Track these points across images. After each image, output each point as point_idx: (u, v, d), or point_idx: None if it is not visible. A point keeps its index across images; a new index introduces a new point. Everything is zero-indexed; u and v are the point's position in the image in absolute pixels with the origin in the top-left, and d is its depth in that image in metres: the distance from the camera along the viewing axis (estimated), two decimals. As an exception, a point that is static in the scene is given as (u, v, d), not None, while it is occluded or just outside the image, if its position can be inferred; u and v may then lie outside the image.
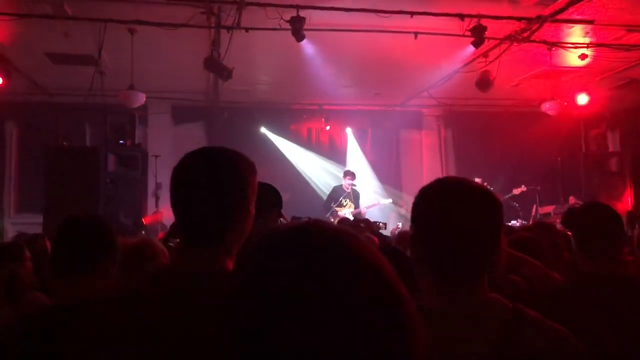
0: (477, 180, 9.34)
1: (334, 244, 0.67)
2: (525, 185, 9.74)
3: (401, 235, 5.26)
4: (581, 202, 9.82)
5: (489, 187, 8.70)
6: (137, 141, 8.88)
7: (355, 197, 9.64)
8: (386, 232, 9.42)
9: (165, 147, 10.01)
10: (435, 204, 1.33)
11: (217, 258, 1.40)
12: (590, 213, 2.20)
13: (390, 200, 10.20)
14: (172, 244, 3.91)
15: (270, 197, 1.95)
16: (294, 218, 4.22)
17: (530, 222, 9.04)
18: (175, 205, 1.45)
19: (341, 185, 9.76)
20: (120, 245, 2.74)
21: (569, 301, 1.99)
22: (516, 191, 9.72)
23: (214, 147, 1.54)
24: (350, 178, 9.66)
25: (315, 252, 0.65)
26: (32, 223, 8.42)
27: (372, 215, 9.52)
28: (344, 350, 0.60)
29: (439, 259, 1.30)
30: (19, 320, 2.03)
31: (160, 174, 9.30)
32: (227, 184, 1.43)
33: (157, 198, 9.70)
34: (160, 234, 6.69)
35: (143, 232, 8.03)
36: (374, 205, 9.86)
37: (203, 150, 1.51)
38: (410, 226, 1.39)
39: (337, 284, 0.63)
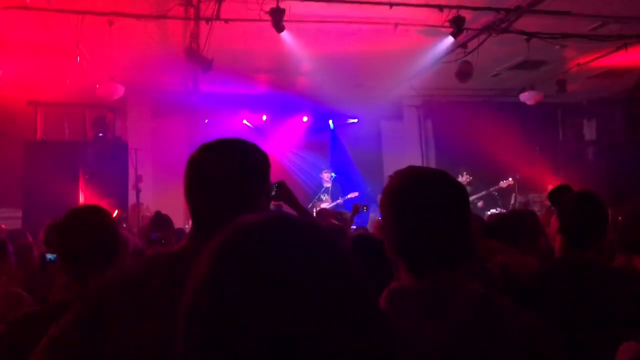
0: (465, 176, 9.44)
1: (295, 238, 0.68)
2: (512, 178, 9.81)
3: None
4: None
5: (471, 179, 8.73)
6: (116, 134, 8.81)
7: (334, 190, 9.69)
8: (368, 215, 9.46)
9: (146, 140, 9.93)
10: (408, 193, 1.35)
11: None
12: (579, 201, 2.25)
13: (357, 193, 10.15)
14: (154, 238, 3.94)
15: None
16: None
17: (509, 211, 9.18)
18: (189, 197, 1.44)
19: (320, 181, 9.82)
20: None
21: (546, 288, 2.03)
22: (503, 184, 9.81)
23: (229, 139, 1.54)
24: (326, 172, 9.72)
25: (278, 248, 0.66)
26: (10, 218, 8.32)
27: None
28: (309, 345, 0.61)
29: (414, 246, 1.33)
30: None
31: (140, 167, 9.24)
32: (244, 177, 1.44)
33: (138, 191, 9.63)
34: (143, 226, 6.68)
35: (124, 226, 8.00)
36: (352, 195, 9.87)
37: (219, 142, 1.51)
38: (383, 212, 1.41)
39: (298, 280, 0.63)
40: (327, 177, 9.65)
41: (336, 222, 4.32)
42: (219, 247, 0.68)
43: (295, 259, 0.65)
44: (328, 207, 9.43)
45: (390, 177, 1.42)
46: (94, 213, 1.98)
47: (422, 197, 1.32)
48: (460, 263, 1.33)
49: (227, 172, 1.43)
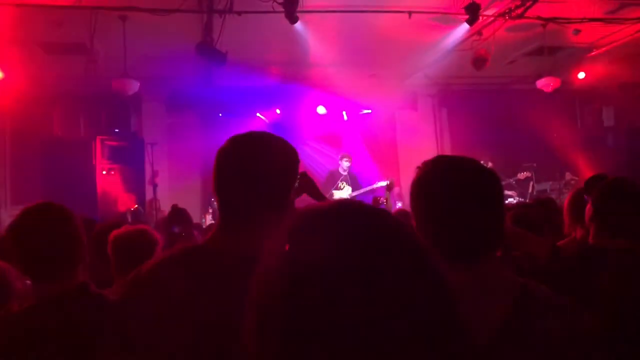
0: (490, 163, 9.39)
1: (368, 221, 0.68)
2: (528, 170, 9.76)
3: (400, 214, 5.26)
4: (577, 178, 9.88)
5: (491, 167, 8.65)
6: (132, 129, 8.85)
7: (352, 180, 9.64)
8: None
9: (161, 135, 9.95)
10: (441, 182, 1.31)
11: (253, 241, 1.35)
12: (612, 187, 2.18)
13: (387, 183, 10.20)
14: (176, 231, 3.97)
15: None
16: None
17: (527, 199, 9.09)
18: (220, 189, 1.45)
19: (338, 169, 9.77)
20: (117, 235, 2.71)
21: (578, 275, 1.99)
22: (521, 176, 9.76)
23: (259, 132, 1.55)
24: (346, 160, 9.67)
25: (350, 231, 0.65)
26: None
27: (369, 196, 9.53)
28: (389, 325, 0.61)
29: (450, 235, 1.29)
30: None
31: (156, 162, 9.27)
32: (272, 170, 1.45)
33: (154, 186, 9.67)
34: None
35: (142, 221, 8.04)
36: (370, 187, 9.87)
37: (250, 136, 1.52)
38: (414, 203, 1.37)
39: (374, 262, 0.63)
40: (346, 164, 9.64)
41: None
42: (294, 238, 0.67)
43: (373, 243, 0.64)
44: (351, 195, 9.41)
45: (419, 167, 1.38)
46: (53, 212, 1.85)
47: (455, 186, 1.28)
48: (495, 251, 1.30)
49: (259, 166, 1.43)
